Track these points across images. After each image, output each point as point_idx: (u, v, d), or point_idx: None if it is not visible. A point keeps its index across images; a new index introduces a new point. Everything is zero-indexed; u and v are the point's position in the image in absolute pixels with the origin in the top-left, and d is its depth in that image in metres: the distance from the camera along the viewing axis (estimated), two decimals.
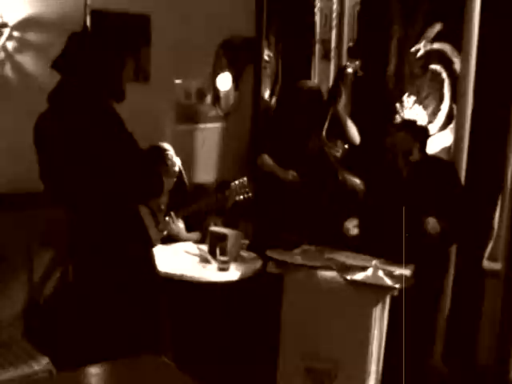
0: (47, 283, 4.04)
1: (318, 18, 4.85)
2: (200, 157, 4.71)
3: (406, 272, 3.33)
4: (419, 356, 3.73)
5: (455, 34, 3.90)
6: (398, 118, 4.29)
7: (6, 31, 3.70)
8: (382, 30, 4.39)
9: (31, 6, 3.76)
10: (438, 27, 4.07)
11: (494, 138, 3.73)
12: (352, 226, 3.64)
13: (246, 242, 4.14)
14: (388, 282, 3.19)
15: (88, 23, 3.87)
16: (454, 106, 3.99)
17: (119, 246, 2.99)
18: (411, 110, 4.24)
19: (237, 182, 3.99)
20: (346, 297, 3.24)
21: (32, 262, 3.96)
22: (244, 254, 4.02)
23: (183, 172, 4.23)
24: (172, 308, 3.35)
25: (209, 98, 4.73)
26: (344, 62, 4.65)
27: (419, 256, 3.48)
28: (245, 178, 4.00)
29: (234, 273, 3.70)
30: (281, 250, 3.58)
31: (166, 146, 4.13)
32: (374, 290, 3.20)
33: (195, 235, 4.19)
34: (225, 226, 4.20)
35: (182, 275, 3.60)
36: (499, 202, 3.73)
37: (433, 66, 4.13)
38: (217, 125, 4.82)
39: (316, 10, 4.84)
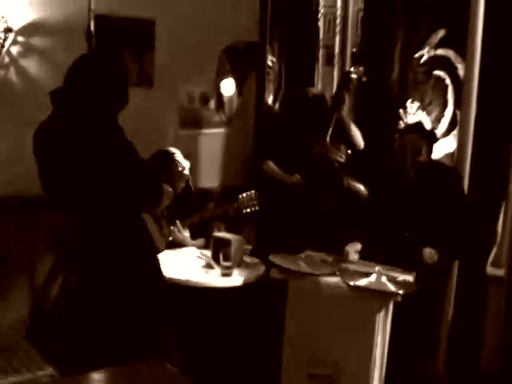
0: (50, 287, 4.03)
1: (321, 24, 4.87)
2: (203, 162, 4.71)
3: (410, 278, 3.33)
4: (422, 362, 3.72)
5: (459, 40, 3.91)
6: (401, 124, 4.29)
7: (11, 36, 3.70)
8: (385, 36, 4.39)
9: (35, 11, 3.77)
10: (441, 33, 4.08)
11: (498, 143, 3.73)
12: (353, 251, 3.61)
13: (249, 247, 4.13)
14: (391, 287, 3.18)
15: (92, 28, 3.87)
16: (458, 112, 3.99)
17: (122, 252, 2.99)
18: (415, 115, 4.24)
19: (245, 195, 4.01)
20: (350, 303, 3.23)
21: (35, 266, 3.96)
22: (247, 259, 4.02)
23: (190, 178, 4.23)
24: (176, 313, 3.35)
25: (212, 103, 4.72)
26: (347, 67, 4.66)
27: (422, 262, 3.49)
28: (253, 191, 4.01)
29: (237, 278, 3.70)
30: (284, 255, 3.58)
31: (174, 150, 4.14)
32: (377, 296, 3.19)
33: (200, 242, 4.19)
34: (228, 231, 4.20)
35: (188, 281, 3.59)
36: (502, 208, 3.73)
37: (436, 72, 4.13)
38: (220, 130, 4.82)
39: (319, 15, 4.86)
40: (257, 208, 4.00)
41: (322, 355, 3.32)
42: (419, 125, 3.89)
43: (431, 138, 3.76)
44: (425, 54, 4.16)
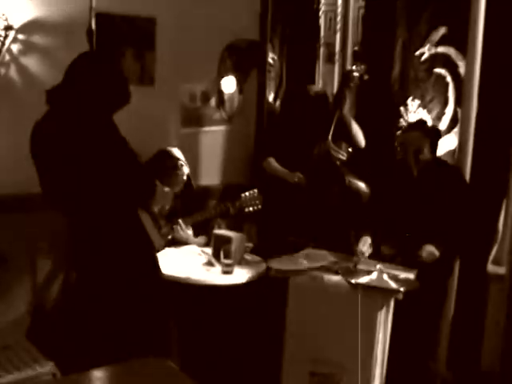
0: (51, 286, 4.04)
1: (322, 22, 4.86)
2: (205, 160, 4.71)
3: (411, 276, 3.33)
4: (423, 360, 3.72)
5: (460, 38, 3.90)
6: (402, 122, 4.29)
7: (11, 34, 3.70)
8: (386, 34, 4.39)
9: (36, 8, 3.76)
10: (442, 31, 4.07)
11: (499, 141, 3.73)
12: (366, 248, 3.62)
13: (251, 245, 4.13)
14: (393, 285, 3.18)
15: (93, 26, 3.87)
16: (459, 110, 3.98)
17: (119, 250, 2.99)
18: (415, 113, 4.23)
19: (247, 194, 4.01)
20: (351, 300, 3.23)
21: (35, 265, 3.96)
22: (248, 257, 4.02)
23: (191, 177, 4.23)
24: (176, 311, 3.35)
25: (213, 101, 4.72)
26: (348, 65, 4.66)
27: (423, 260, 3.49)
28: (255, 190, 4.01)
29: (238, 276, 3.70)
30: (284, 258, 3.58)
31: (175, 150, 4.14)
32: (378, 294, 3.19)
33: (202, 239, 4.19)
34: (229, 228, 4.20)
35: (188, 278, 3.60)
36: (503, 206, 3.73)
37: (437, 70, 4.13)
38: (221, 128, 4.82)
39: (320, 13, 4.85)
40: (259, 207, 4.01)
41: (323, 353, 3.33)
42: (422, 122, 3.89)
43: (434, 135, 3.76)
44: (426, 51, 4.15)
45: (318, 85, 4.83)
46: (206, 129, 4.73)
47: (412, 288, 3.19)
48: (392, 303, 3.26)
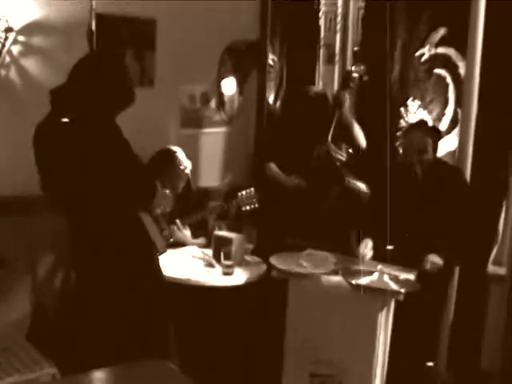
0: (51, 288, 4.03)
1: (322, 22, 4.86)
2: (204, 161, 4.71)
3: (411, 277, 3.33)
4: (423, 361, 3.72)
5: (460, 39, 3.91)
6: (402, 123, 4.29)
7: (12, 36, 3.70)
8: (386, 35, 4.39)
9: (36, 10, 3.76)
10: (442, 32, 4.08)
11: (499, 142, 3.73)
12: (368, 251, 3.62)
13: (251, 246, 4.13)
14: (393, 286, 3.18)
15: (93, 28, 3.87)
16: (459, 111, 3.99)
17: (120, 252, 2.99)
18: (415, 114, 4.24)
19: (244, 193, 4.00)
20: (351, 301, 3.23)
21: (35, 267, 3.96)
22: (248, 258, 4.02)
23: (190, 177, 4.23)
24: (176, 312, 3.35)
25: (213, 103, 4.72)
26: (348, 66, 4.66)
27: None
28: (252, 189, 4.01)
29: (238, 277, 3.70)
30: (285, 254, 3.57)
31: (177, 150, 4.14)
32: (379, 295, 3.19)
33: (201, 241, 4.19)
34: (229, 230, 4.20)
35: (188, 280, 3.59)
36: (504, 206, 3.73)
37: (437, 71, 4.13)
38: (221, 129, 4.82)
39: (320, 14, 4.85)
40: (256, 205, 3.99)
41: (323, 354, 3.32)
42: (424, 123, 3.89)
43: (436, 135, 3.76)
44: (426, 52, 4.16)
45: (318, 85, 4.83)
46: (206, 130, 4.73)
47: (412, 289, 3.19)
48: (392, 304, 3.26)
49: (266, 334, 3.81)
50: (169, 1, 4.20)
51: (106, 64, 3.02)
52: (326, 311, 3.31)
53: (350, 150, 4.27)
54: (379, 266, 3.32)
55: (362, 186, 4.15)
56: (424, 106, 4.19)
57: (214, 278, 3.67)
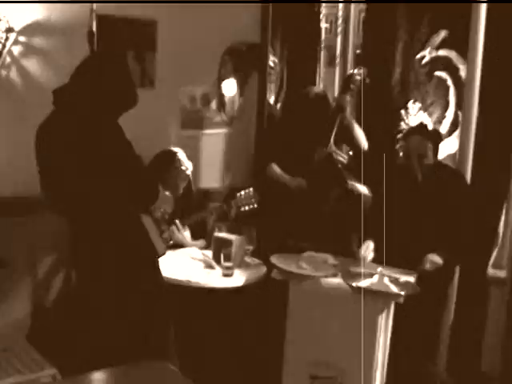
0: (51, 289, 4.03)
1: (323, 25, 4.86)
2: (205, 162, 4.71)
3: (411, 279, 3.33)
4: (423, 364, 3.72)
5: (461, 41, 3.91)
6: (402, 125, 4.29)
7: (12, 36, 3.70)
8: (387, 37, 4.39)
9: (37, 11, 3.76)
10: (443, 34, 4.08)
11: (499, 144, 3.73)
12: (368, 253, 3.62)
13: (250, 247, 4.13)
14: (394, 289, 3.18)
15: (94, 28, 3.87)
16: (460, 113, 3.99)
17: (120, 253, 2.99)
18: (416, 116, 4.24)
19: (243, 193, 4.00)
20: (352, 304, 3.22)
21: (35, 266, 3.96)
22: (248, 259, 4.02)
23: (191, 179, 4.23)
24: (176, 314, 3.35)
25: (214, 104, 4.73)
26: (349, 68, 4.66)
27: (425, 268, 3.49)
28: (251, 189, 4.00)
29: (238, 279, 3.70)
30: (285, 255, 3.57)
31: (177, 150, 4.14)
32: (379, 297, 3.19)
33: (201, 242, 4.18)
34: (229, 231, 4.20)
35: (188, 281, 3.59)
36: (504, 209, 3.73)
37: (438, 73, 4.13)
38: (222, 130, 4.82)
39: (321, 16, 4.85)
40: (255, 206, 3.99)
41: (323, 356, 3.32)
42: (423, 126, 3.89)
43: (436, 138, 3.76)
44: (426, 54, 4.16)
45: (319, 87, 4.82)
46: (207, 131, 4.73)
47: (413, 291, 3.19)
48: (392, 306, 3.25)
49: (266, 336, 3.81)
50: (169, 2, 4.21)
51: (109, 65, 3.01)
52: (326, 313, 3.31)
53: (351, 153, 4.28)
54: (379, 269, 3.32)
55: (363, 188, 4.15)
56: (425, 109, 4.19)
57: (214, 279, 3.67)
